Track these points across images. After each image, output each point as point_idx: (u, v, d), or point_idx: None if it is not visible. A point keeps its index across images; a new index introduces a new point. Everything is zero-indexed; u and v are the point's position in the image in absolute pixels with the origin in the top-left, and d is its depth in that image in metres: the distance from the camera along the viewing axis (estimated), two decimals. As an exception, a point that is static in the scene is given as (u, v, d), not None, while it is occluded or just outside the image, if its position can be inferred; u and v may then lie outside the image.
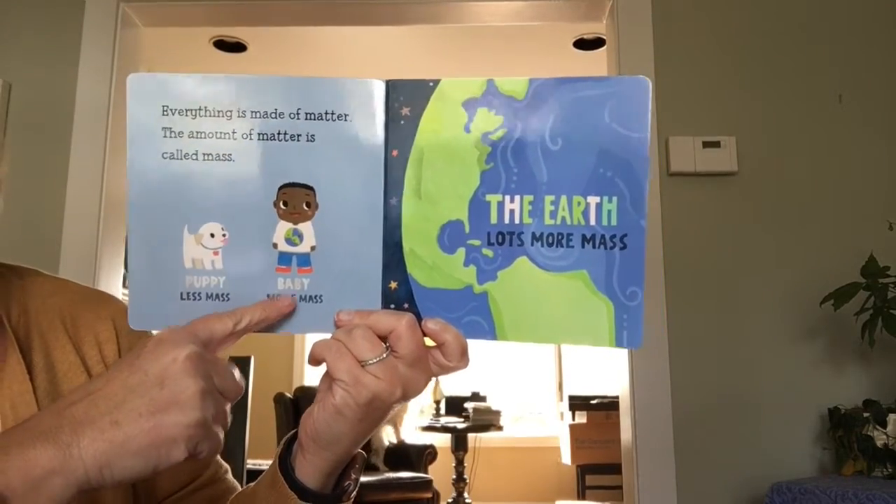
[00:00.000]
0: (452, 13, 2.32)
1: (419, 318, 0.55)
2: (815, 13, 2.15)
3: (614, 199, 0.54)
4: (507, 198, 0.55)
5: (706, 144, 2.06)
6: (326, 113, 0.55)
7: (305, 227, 0.56)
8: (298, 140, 0.55)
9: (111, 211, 2.14)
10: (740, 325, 2.02)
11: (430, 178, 0.56)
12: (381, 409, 0.57)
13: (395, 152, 0.55)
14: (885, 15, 2.14)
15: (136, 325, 0.56)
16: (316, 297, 0.57)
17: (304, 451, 0.61)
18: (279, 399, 4.30)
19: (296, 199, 0.55)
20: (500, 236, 0.56)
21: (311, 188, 0.55)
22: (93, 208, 2.10)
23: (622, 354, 2.04)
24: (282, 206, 0.55)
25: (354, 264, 0.56)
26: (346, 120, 0.55)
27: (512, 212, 0.55)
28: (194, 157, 0.55)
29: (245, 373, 1.40)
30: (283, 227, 0.56)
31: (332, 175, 0.55)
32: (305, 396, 4.37)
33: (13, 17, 2.23)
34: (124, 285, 2.37)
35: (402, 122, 0.55)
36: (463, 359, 0.55)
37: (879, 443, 1.77)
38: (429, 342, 0.56)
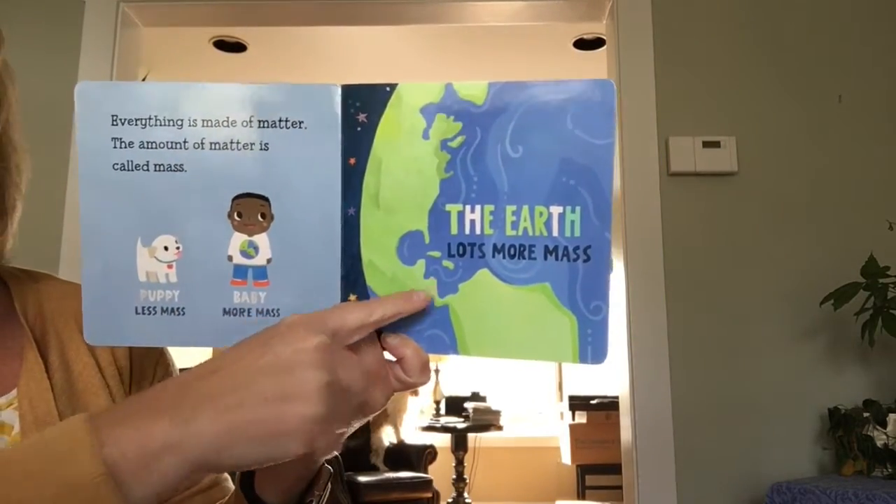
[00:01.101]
0: (452, 13, 2.31)
1: (379, 333, 0.53)
2: (815, 14, 2.14)
3: (577, 209, 0.51)
4: (468, 207, 0.53)
5: (706, 144, 2.05)
6: (281, 120, 0.53)
7: (261, 239, 0.53)
8: (252, 149, 0.52)
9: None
10: (740, 325, 2.01)
11: (388, 187, 0.53)
12: None
13: (352, 160, 0.53)
14: (885, 15, 2.13)
15: (92, 341, 0.55)
16: (273, 310, 0.54)
17: (262, 468, 0.60)
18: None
19: (250, 210, 0.53)
20: (460, 247, 0.53)
21: (266, 198, 0.53)
22: (93, 208, 2.10)
23: (622, 354, 2.04)
24: (236, 217, 0.53)
25: (312, 277, 0.54)
26: (301, 127, 0.53)
27: (472, 222, 0.53)
28: (145, 167, 0.53)
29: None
30: (238, 238, 0.53)
31: (288, 185, 0.53)
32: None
33: (13, 18, 2.23)
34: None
35: (359, 128, 0.53)
36: (423, 374, 0.54)
37: (879, 443, 1.77)
38: (389, 356, 0.54)
